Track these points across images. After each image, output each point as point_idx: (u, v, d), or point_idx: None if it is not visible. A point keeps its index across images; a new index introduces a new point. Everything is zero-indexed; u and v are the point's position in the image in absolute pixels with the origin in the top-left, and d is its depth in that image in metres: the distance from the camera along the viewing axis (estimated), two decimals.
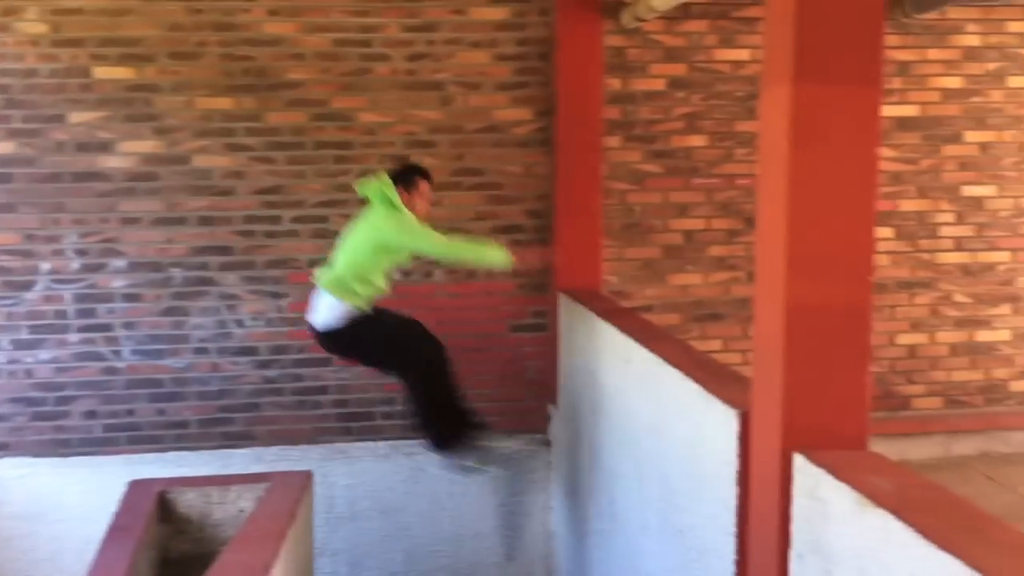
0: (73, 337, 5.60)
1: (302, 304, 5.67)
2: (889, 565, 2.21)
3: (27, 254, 5.54)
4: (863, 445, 2.76)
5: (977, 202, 6.08)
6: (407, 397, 4.84)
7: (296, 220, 5.68)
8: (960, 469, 5.61)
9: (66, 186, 5.52)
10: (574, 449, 5.27)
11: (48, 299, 5.58)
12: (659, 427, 3.86)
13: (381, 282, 4.73)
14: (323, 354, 5.68)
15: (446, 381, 4.79)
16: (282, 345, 5.72)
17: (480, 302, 5.85)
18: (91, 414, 5.64)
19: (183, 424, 5.69)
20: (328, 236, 5.68)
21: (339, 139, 5.67)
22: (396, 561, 5.78)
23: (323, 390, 5.77)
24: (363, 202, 4.89)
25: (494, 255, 4.63)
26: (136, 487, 4.66)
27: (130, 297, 5.62)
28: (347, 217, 5.66)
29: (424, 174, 4.83)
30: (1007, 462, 5.88)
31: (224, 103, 5.58)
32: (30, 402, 5.60)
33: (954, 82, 6.00)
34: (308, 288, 5.65)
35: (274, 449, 5.72)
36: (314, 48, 5.60)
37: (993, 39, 5.99)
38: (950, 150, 6.04)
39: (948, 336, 6.12)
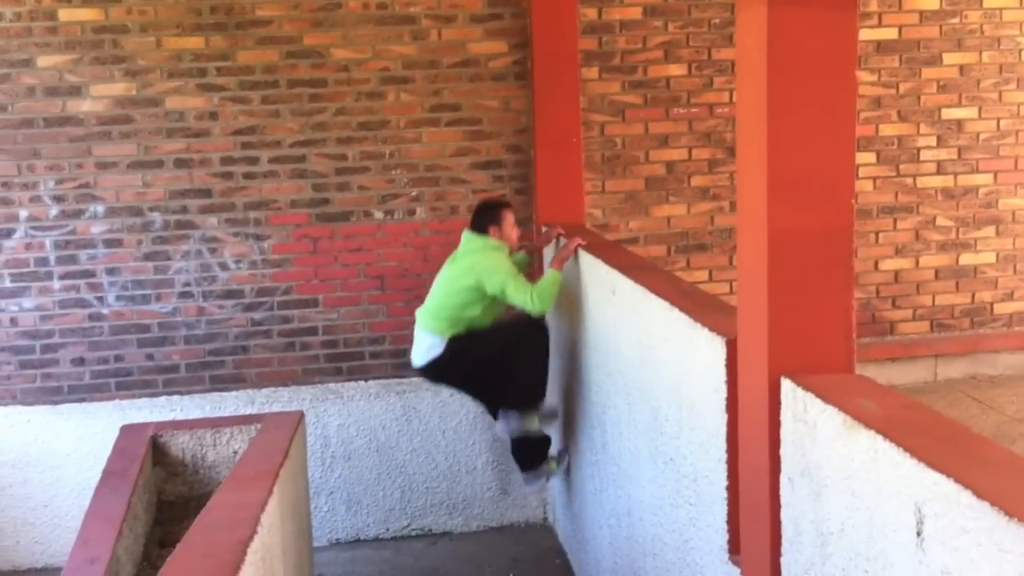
0: (56, 284, 5.57)
1: (286, 245, 5.68)
2: (879, 485, 2.23)
3: (5, 201, 5.48)
4: (850, 369, 2.78)
5: (958, 124, 6.07)
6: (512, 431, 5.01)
7: (274, 160, 5.63)
8: (947, 392, 5.69)
9: (39, 131, 5.45)
10: (563, 383, 5.30)
11: (28, 247, 5.53)
12: (647, 357, 3.88)
13: (478, 315, 4.83)
14: (310, 295, 5.70)
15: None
16: (268, 287, 5.70)
17: None
18: (80, 361, 5.63)
19: (172, 368, 5.69)
20: (307, 176, 5.65)
21: (313, 77, 5.60)
22: (392, 498, 5.84)
23: (312, 331, 5.77)
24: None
25: (557, 277, 4.78)
26: (128, 431, 4.67)
27: (111, 243, 5.58)
28: (326, 156, 5.64)
29: (506, 205, 5.02)
30: (993, 384, 5.96)
31: (193, 42, 5.50)
32: (17, 351, 5.59)
33: (931, 3, 5.96)
34: (291, 229, 5.65)
35: (265, 391, 5.73)
36: None
37: None
38: (929, 73, 6.02)
39: (932, 260, 6.15)
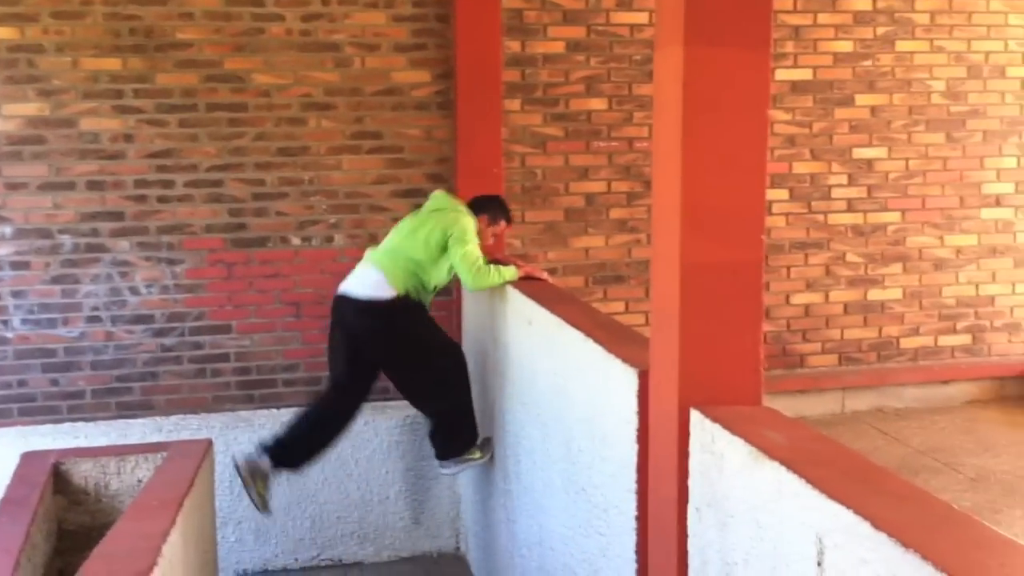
0: None
1: (199, 270, 5.58)
2: (782, 516, 2.26)
3: None
4: (758, 400, 2.82)
5: (868, 164, 6.25)
6: (435, 411, 4.94)
7: (190, 184, 5.54)
8: (854, 424, 5.80)
9: None
10: (480, 412, 5.28)
11: None
12: (562, 388, 3.89)
13: (427, 280, 4.77)
14: (222, 321, 5.60)
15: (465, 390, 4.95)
16: (179, 312, 5.59)
17: None
18: None
19: (78, 394, 5.54)
20: (224, 200, 5.57)
21: (233, 101, 5.54)
22: (302, 528, 5.74)
23: (223, 357, 5.67)
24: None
25: (509, 273, 4.68)
26: (29, 459, 4.52)
27: (17, 265, 5.42)
28: (243, 181, 5.57)
29: (510, 218, 5.03)
30: (899, 417, 6.10)
31: (111, 63, 5.40)
32: None
33: (845, 46, 6.14)
34: (205, 254, 5.57)
35: (174, 418, 5.60)
36: (204, 7, 5.45)
37: (882, 3, 6.14)
38: (842, 113, 6.18)
39: (842, 295, 6.30)
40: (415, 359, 4.81)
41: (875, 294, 6.31)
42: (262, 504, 4.83)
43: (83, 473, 4.48)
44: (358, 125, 5.67)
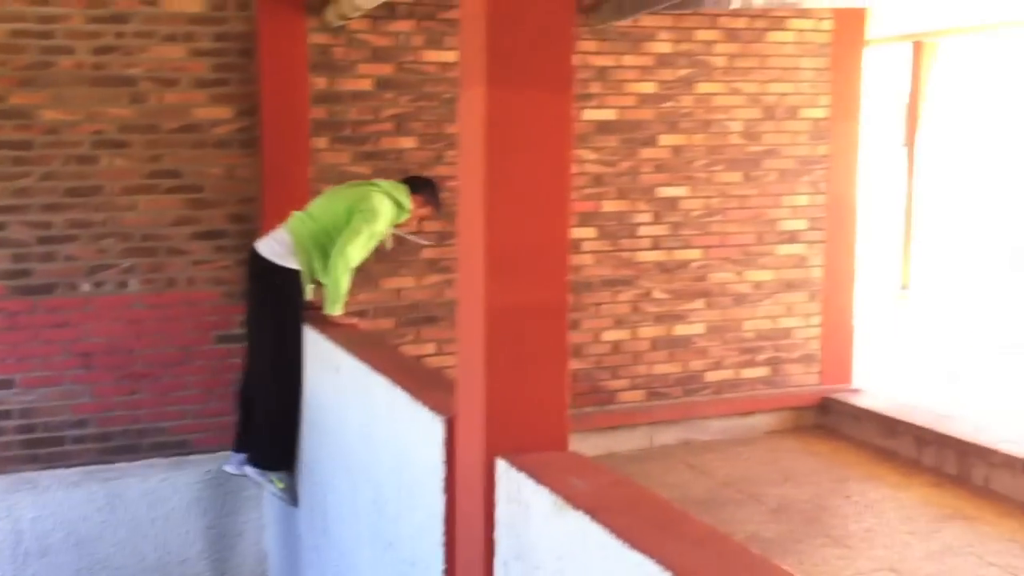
0: None
1: None
2: (587, 567, 2.22)
3: None
4: (564, 445, 2.78)
5: (671, 202, 6.40)
6: (263, 402, 4.82)
7: None
8: (663, 458, 5.89)
9: None
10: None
11: None
12: (370, 436, 3.77)
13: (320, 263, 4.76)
14: (4, 375, 5.21)
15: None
16: None
17: (182, 312, 5.51)
18: None
19: None
20: (6, 245, 5.19)
21: (17, 138, 5.18)
22: None
23: (5, 415, 5.25)
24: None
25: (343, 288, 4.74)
26: None
27: None
28: (28, 224, 5.22)
29: (438, 205, 5.07)
30: (706, 449, 6.24)
31: None
32: None
33: (648, 87, 6.29)
34: None
35: None
36: None
37: (683, 46, 6.32)
38: (646, 153, 6.32)
39: (648, 331, 6.41)
40: (272, 330, 4.79)
41: (680, 329, 6.46)
42: (290, 500, 4.82)
43: None
44: (155, 164, 5.40)
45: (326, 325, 4.62)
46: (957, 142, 10.79)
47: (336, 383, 4.22)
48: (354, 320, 4.87)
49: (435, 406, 3.14)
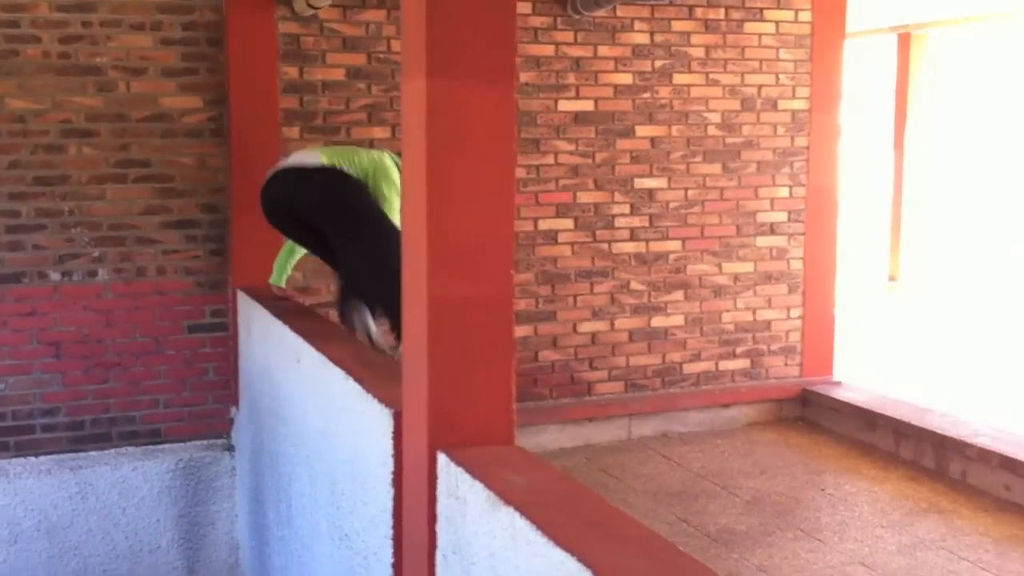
0: None
1: None
2: (515, 564, 2.19)
3: None
4: (510, 440, 2.75)
5: (649, 194, 6.36)
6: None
7: None
8: (640, 450, 5.86)
9: None
10: (256, 453, 5.06)
11: None
12: (328, 429, 3.74)
13: None
14: None
15: None
16: None
17: (153, 302, 5.48)
18: None
19: None
20: None
21: None
22: None
23: None
24: None
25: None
26: None
27: None
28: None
29: None
30: (683, 441, 6.21)
31: None
32: None
33: (625, 78, 6.24)
34: None
35: None
36: None
37: (659, 37, 6.27)
38: (623, 144, 6.28)
39: (627, 323, 6.37)
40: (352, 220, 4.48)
41: (658, 321, 6.42)
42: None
43: None
44: (123, 153, 5.37)
45: (290, 315, 4.59)
46: (947, 134, 10.76)
47: (298, 373, 4.19)
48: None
49: (385, 399, 3.11)
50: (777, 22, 6.50)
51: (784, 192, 6.68)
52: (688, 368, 6.51)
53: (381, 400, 3.12)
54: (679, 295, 6.46)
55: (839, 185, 6.85)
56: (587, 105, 6.18)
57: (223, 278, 5.53)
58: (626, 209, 6.30)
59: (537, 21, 5.99)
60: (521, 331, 5.92)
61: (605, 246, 6.28)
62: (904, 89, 9.77)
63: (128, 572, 5.43)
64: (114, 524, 5.38)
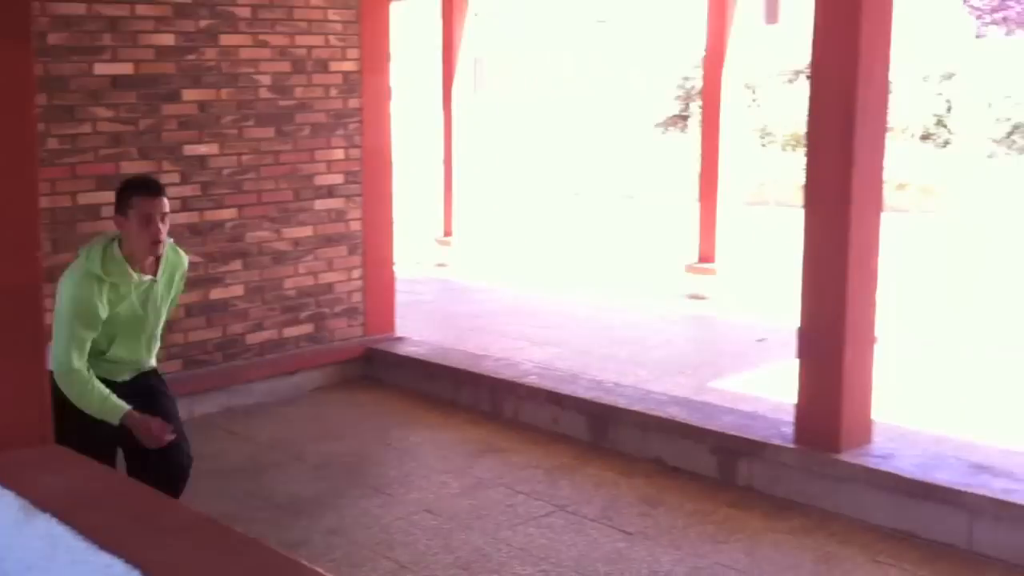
0: None
1: None
2: (58, 572, 2.03)
3: None
4: (46, 439, 2.54)
5: (200, 161, 6.13)
6: None
7: None
8: (204, 429, 5.65)
9: None
10: None
11: None
12: None
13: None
14: None
15: None
16: None
17: None
18: None
19: None
20: None
21: None
22: None
23: None
24: None
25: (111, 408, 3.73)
26: None
27: None
28: None
29: (140, 187, 3.89)
30: (248, 414, 6.10)
31: None
32: None
33: (167, 39, 5.93)
34: None
35: None
36: None
37: None
38: (170, 109, 5.98)
39: (184, 298, 6.10)
40: None
41: (217, 293, 6.24)
42: None
43: None
44: None
45: None
46: (500, 91, 11.43)
47: None
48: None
49: None
50: None
51: (340, 154, 6.74)
52: (251, 339, 6.40)
53: None
54: (238, 264, 6.32)
55: (392, 146, 7.03)
56: (126, 68, 5.79)
57: None
58: (176, 178, 6.02)
59: None
60: None
61: None
62: (450, 49, 10.17)
63: None
64: None
